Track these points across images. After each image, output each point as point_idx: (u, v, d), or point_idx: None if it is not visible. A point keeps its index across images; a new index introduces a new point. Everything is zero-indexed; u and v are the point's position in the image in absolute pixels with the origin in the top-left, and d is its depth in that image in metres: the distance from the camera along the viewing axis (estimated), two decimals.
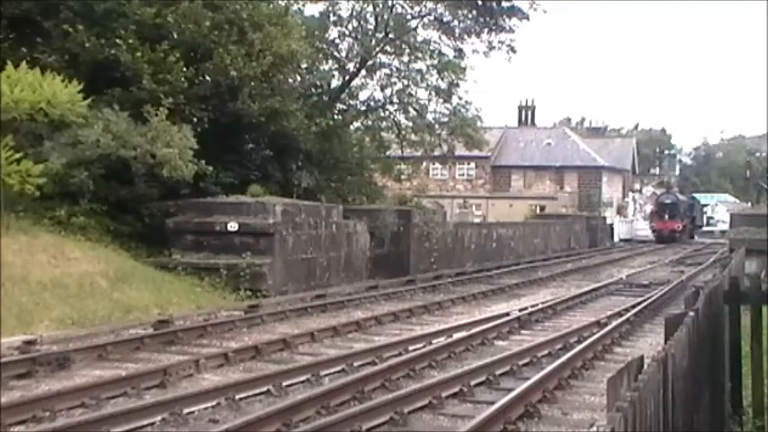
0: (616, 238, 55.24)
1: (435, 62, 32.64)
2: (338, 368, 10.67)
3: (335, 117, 29.90)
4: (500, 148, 62.83)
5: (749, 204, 61.34)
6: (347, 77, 31.94)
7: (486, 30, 32.55)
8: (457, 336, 13.23)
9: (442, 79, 32.90)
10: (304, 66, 27.43)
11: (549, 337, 13.12)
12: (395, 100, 33.48)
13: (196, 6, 21.30)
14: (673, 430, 4.59)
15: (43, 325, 13.09)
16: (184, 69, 20.81)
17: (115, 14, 20.68)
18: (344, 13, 32.48)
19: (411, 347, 12.25)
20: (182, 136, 19.02)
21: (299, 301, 17.75)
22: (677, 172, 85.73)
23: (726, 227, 36.78)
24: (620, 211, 64.23)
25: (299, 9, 29.42)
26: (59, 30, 19.85)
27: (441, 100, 33.33)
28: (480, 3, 31.79)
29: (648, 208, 61.52)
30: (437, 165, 53.34)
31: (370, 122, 34.06)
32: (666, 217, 54.79)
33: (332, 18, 32.20)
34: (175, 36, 21.42)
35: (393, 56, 32.85)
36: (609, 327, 13.86)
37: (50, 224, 17.70)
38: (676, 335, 4.99)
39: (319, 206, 22.05)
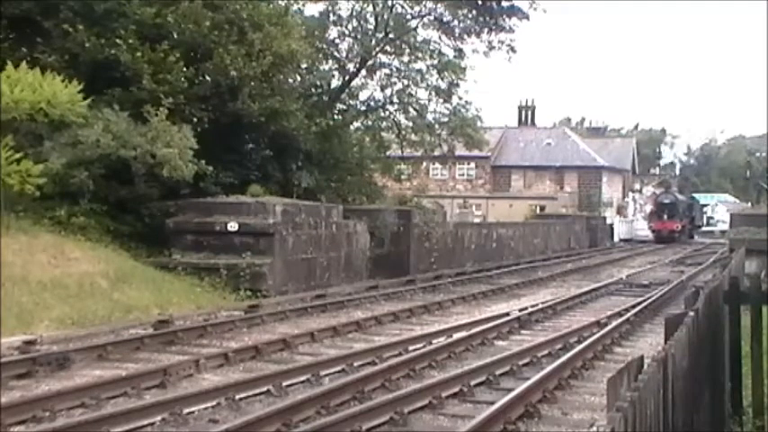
0: (616, 238, 55.21)
1: (435, 62, 32.64)
2: (338, 368, 10.67)
3: (335, 117, 29.91)
4: (500, 148, 62.84)
5: (749, 204, 61.31)
6: (347, 77, 31.94)
7: (486, 29, 32.56)
8: (457, 336, 13.23)
9: (442, 79, 32.91)
10: (304, 66, 27.44)
11: (549, 337, 13.12)
12: (395, 100, 33.49)
13: (196, 6, 21.31)
14: (673, 430, 4.59)
15: (43, 325, 13.09)
16: (184, 69, 20.81)
17: (115, 14, 20.69)
18: (344, 13, 32.54)
19: (411, 347, 12.25)
20: (182, 136, 19.02)
21: (299, 301, 17.75)
22: (677, 172, 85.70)
23: (726, 227, 36.78)
24: (620, 211, 64.22)
25: (299, 9, 29.44)
26: (59, 30, 19.86)
27: (441, 100, 33.35)
28: (480, 2, 31.80)
29: (648, 208, 61.45)
30: (437, 165, 53.34)
31: (370, 122, 34.06)
32: (665, 217, 54.51)
33: (332, 18, 32.21)
34: (175, 36, 21.42)
35: (393, 56, 32.86)
36: (609, 327, 13.86)
37: (50, 224, 17.70)
38: (676, 335, 4.99)
39: (319, 206, 22.05)
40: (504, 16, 32.16)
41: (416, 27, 32.97)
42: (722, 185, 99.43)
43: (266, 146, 23.50)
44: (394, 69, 33.00)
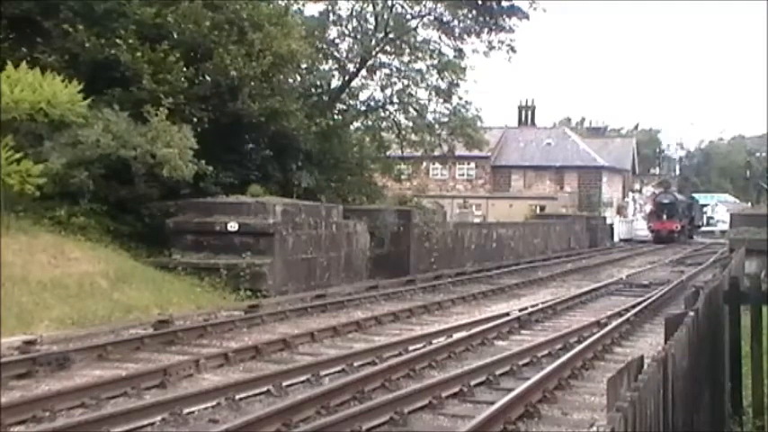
0: (616, 238, 55.17)
1: (435, 62, 32.64)
2: (338, 368, 10.67)
3: (335, 117, 29.91)
4: (500, 148, 62.83)
5: (749, 204, 61.26)
6: (347, 77, 31.94)
7: (486, 29, 32.54)
8: (457, 336, 13.23)
9: (442, 79, 32.91)
10: (304, 66, 27.43)
11: (549, 337, 13.12)
12: (395, 100, 33.49)
13: (196, 6, 21.30)
14: (673, 430, 4.59)
15: (43, 325, 13.09)
16: (184, 69, 20.81)
17: (115, 14, 20.68)
18: (344, 13, 32.53)
19: (411, 347, 12.25)
20: (182, 136, 19.02)
21: (299, 301, 17.74)
22: (677, 171, 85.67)
23: (726, 227, 36.77)
24: (620, 211, 64.21)
25: (299, 9, 29.43)
26: (59, 30, 19.85)
27: (441, 100, 33.34)
28: (480, 2, 31.79)
29: (648, 208, 61.38)
30: (437, 165, 53.32)
31: (370, 122, 34.06)
32: (664, 217, 54.19)
33: (332, 18, 32.20)
34: (175, 36, 21.42)
35: (393, 56, 32.85)
36: (609, 327, 13.86)
37: (50, 224, 17.70)
38: (676, 335, 4.99)
39: (319, 206, 22.05)
40: (504, 16, 32.15)
41: (416, 27, 33.00)
42: (722, 185, 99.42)
43: (266, 146, 23.50)
44: (394, 69, 33.01)
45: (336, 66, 32.24)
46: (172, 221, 19.43)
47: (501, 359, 11.07)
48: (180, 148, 18.78)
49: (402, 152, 35.52)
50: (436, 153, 36.19)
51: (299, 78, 28.02)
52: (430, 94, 33.23)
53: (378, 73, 32.92)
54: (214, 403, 8.80)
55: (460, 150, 36.79)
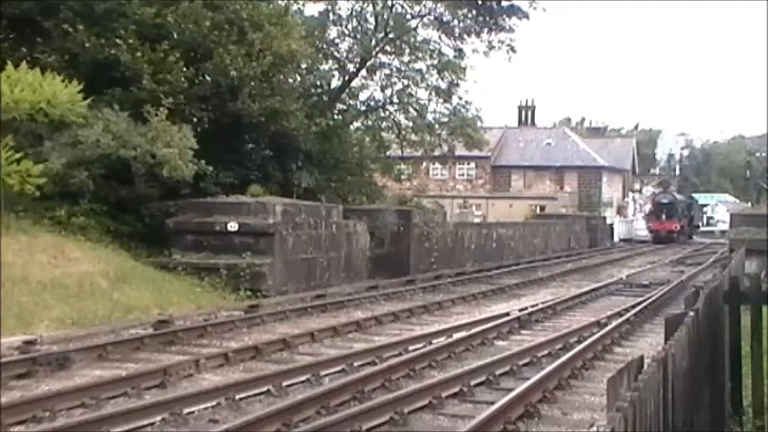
0: (616, 238, 55.14)
1: (435, 62, 32.64)
2: (338, 368, 10.67)
3: (335, 117, 29.91)
4: (500, 148, 62.83)
5: (749, 204, 61.21)
6: (347, 77, 31.94)
7: (485, 29, 32.53)
8: (457, 336, 13.23)
9: (442, 79, 32.91)
10: (304, 66, 27.43)
11: (549, 337, 13.12)
12: (395, 100, 33.49)
13: (196, 6, 21.30)
14: (673, 430, 4.59)
15: (43, 325, 13.09)
16: (184, 69, 20.81)
17: (115, 14, 20.69)
18: (344, 13, 32.53)
19: (411, 347, 12.25)
20: (182, 136, 19.02)
21: (299, 301, 17.74)
22: (677, 171, 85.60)
23: (726, 227, 36.76)
24: (620, 211, 64.20)
25: (299, 9, 29.44)
26: (59, 30, 19.86)
27: (441, 100, 33.34)
28: (480, 2, 31.78)
29: (648, 208, 61.34)
30: (437, 165, 53.32)
31: (370, 122, 34.07)
32: (663, 217, 53.93)
33: (331, 18, 32.19)
34: (175, 36, 21.42)
35: (393, 56, 32.85)
36: (609, 327, 13.86)
37: (50, 224, 17.70)
38: (676, 335, 4.99)
39: (319, 206, 22.05)
40: (504, 16, 32.14)
41: (416, 27, 32.99)
42: (722, 185, 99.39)
43: (266, 146, 23.49)
44: (394, 69, 33.01)
45: (336, 66, 32.25)
46: (172, 221, 19.43)
47: (501, 359, 11.07)
48: (180, 148, 18.78)
49: (402, 152, 35.52)
50: (436, 153, 36.19)
51: (299, 78, 28.02)
52: (430, 94, 33.26)
53: (378, 73, 32.94)
54: (214, 403, 8.80)
55: (460, 150, 36.79)
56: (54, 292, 14.35)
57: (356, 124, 33.68)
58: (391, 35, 31.79)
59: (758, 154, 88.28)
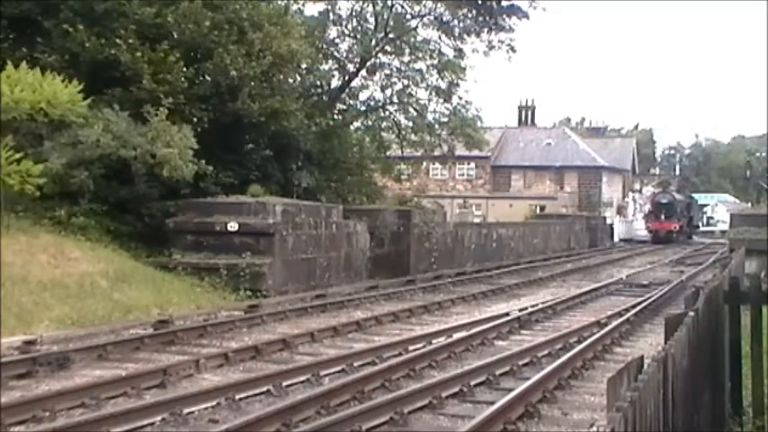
0: (616, 238, 55.12)
1: (435, 62, 32.66)
2: (338, 368, 10.67)
3: (335, 117, 29.92)
4: (500, 148, 62.84)
5: (749, 204, 61.20)
6: (347, 77, 31.95)
7: (485, 29, 32.55)
8: (457, 336, 13.22)
9: (442, 79, 32.94)
10: (304, 66, 27.43)
11: (549, 337, 13.12)
12: (395, 100, 33.52)
13: (196, 6, 21.30)
14: (673, 430, 4.59)
15: (43, 325, 13.09)
16: (184, 69, 20.81)
17: (115, 14, 20.69)
18: (344, 13, 32.57)
19: (411, 347, 12.25)
20: (182, 136, 19.02)
21: (299, 301, 17.74)
22: (677, 172, 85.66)
23: (726, 227, 36.75)
24: (620, 211, 64.20)
25: (299, 9, 29.47)
26: (59, 29, 19.86)
27: (441, 100, 33.38)
28: (480, 2, 31.78)
29: (647, 208, 61.32)
30: (437, 165, 53.36)
31: (370, 122, 34.10)
32: (662, 217, 53.76)
33: (331, 18, 32.21)
34: (175, 36, 21.42)
35: (393, 56, 32.88)
36: (609, 327, 13.86)
37: (50, 224, 17.70)
38: (676, 335, 4.99)
39: (319, 206, 22.05)
40: (504, 16, 32.16)
41: (416, 27, 33.02)
42: (722, 185, 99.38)
43: (266, 146, 23.49)
44: (394, 69, 33.05)
45: (336, 66, 32.27)
46: (172, 221, 19.43)
47: (501, 359, 11.06)
48: (180, 148, 18.78)
49: (402, 152, 35.54)
50: (436, 153, 36.21)
51: (299, 78, 28.03)
52: (430, 94, 33.30)
53: (378, 73, 32.96)
54: (214, 403, 8.80)
55: (460, 150, 36.80)
56: (54, 292, 14.35)
57: (356, 124, 33.71)
58: (391, 35, 31.80)
59: (758, 154, 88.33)
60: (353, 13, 32.57)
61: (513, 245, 35.17)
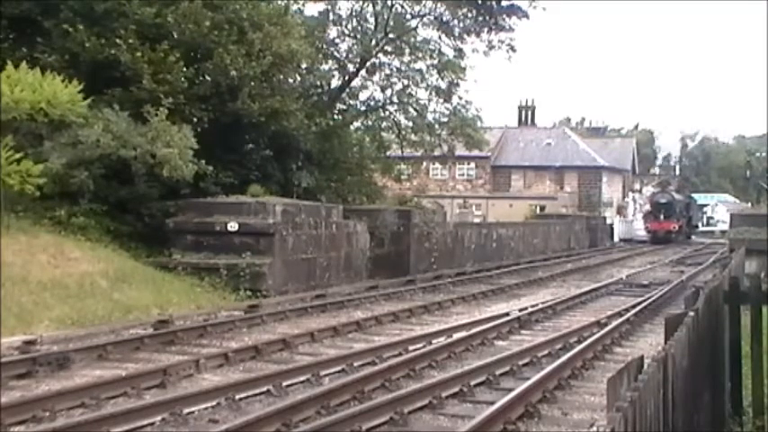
0: (616, 238, 55.09)
1: (435, 62, 32.67)
2: (338, 368, 10.67)
3: (335, 117, 29.93)
4: (500, 148, 62.85)
5: (749, 204, 61.18)
6: (347, 77, 31.95)
7: (485, 29, 32.55)
8: (457, 336, 13.23)
9: (442, 79, 32.94)
10: (304, 66, 27.44)
11: (549, 337, 13.12)
12: (395, 100, 33.52)
13: (196, 6, 21.31)
14: (673, 430, 4.59)
15: (43, 325, 13.09)
16: (184, 69, 20.81)
17: (115, 14, 20.69)
18: (344, 13, 32.57)
19: (411, 347, 12.25)
20: (182, 136, 19.02)
21: (299, 301, 17.74)
22: (677, 172, 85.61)
23: (726, 227, 36.74)
24: (620, 211, 64.20)
25: (299, 9, 29.47)
26: (59, 29, 19.87)
27: (441, 100, 33.38)
28: (480, 2, 31.78)
29: (646, 208, 61.29)
30: (437, 165, 53.37)
31: (370, 122, 34.10)
32: (661, 217, 53.48)
33: (331, 18, 32.22)
34: (175, 36, 21.42)
35: (393, 56, 32.88)
36: (609, 327, 13.85)
37: (50, 224, 17.70)
38: (676, 335, 4.99)
39: (319, 206, 22.05)
40: (504, 15, 32.16)
41: (416, 27, 33.02)
42: (722, 185, 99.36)
43: (266, 146, 23.50)
44: (394, 69, 33.05)
45: (336, 66, 32.27)
46: (172, 221, 19.43)
47: (501, 359, 11.06)
48: (180, 148, 18.78)
49: (402, 152, 35.54)
50: (436, 153, 36.22)
51: (299, 78, 28.03)
52: (430, 94, 33.30)
53: (378, 73, 32.97)
54: (214, 403, 8.80)
55: (460, 150, 36.80)
56: (54, 292, 14.35)
57: (356, 124, 33.72)
58: (391, 35, 31.80)
59: (758, 154, 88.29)
60: (353, 13, 32.59)
61: (513, 245, 35.18)
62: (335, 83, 31.92)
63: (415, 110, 33.51)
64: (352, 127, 32.64)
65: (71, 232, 17.72)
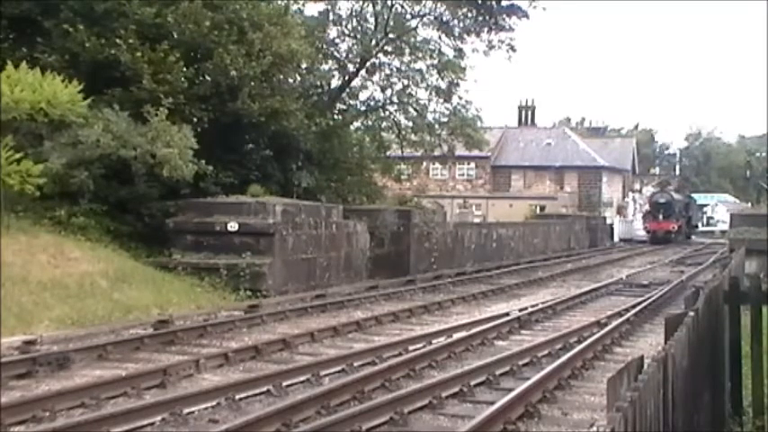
0: (616, 238, 55.07)
1: (435, 62, 32.67)
2: (338, 368, 10.67)
3: (335, 117, 29.93)
4: (500, 148, 62.86)
5: (749, 204, 61.17)
6: (347, 77, 31.96)
7: (485, 29, 32.56)
8: (457, 336, 13.23)
9: (442, 79, 32.95)
10: (304, 66, 27.44)
11: (549, 337, 13.12)
12: (395, 100, 33.53)
13: (196, 6, 21.31)
14: (673, 430, 4.59)
15: (43, 325, 13.09)
16: (184, 69, 20.81)
17: (115, 14, 20.70)
18: (344, 13, 32.58)
19: (411, 347, 12.25)
20: (182, 136, 19.02)
21: (299, 301, 17.75)
22: (677, 172, 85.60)
23: (726, 227, 36.74)
24: (620, 211, 64.20)
25: (299, 9, 29.47)
26: (59, 29, 19.87)
27: (441, 100, 33.39)
28: (480, 2, 31.79)
29: (646, 208, 61.26)
30: (437, 165, 53.38)
31: (370, 122, 34.11)
32: (661, 217, 53.29)
33: (331, 18, 32.23)
34: (175, 36, 21.43)
35: (393, 56, 32.89)
36: (609, 327, 13.86)
37: (50, 224, 17.70)
38: (676, 335, 5.00)
39: (319, 206, 22.05)
40: (504, 15, 32.17)
41: (416, 27, 33.02)
42: (722, 185, 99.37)
43: (266, 146, 23.50)
44: (394, 69, 33.06)
45: (336, 66, 32.27)
46: (172, 221, 19.43)
47: (501, 359, 11.07)
48: (180, 147, 18.78)
49: (402, 152, 35.55)
50: (436, 153, 36.22)
51: (299, 78, 28.03)
52: (430, 94, 33.31)
53: (378, 73, 32.98)
54: (214, 403, 8.80)
55: (460, 150, 36.81)
56: (54, 292, 14.35)
57: (356, 124, 33.72)
58: (391, 35, 31.81)
59: (758, 154, 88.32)
60: (353, 13, 32.60)
61: (513, 245, 35.18)
62: (335, 83, 31.95)
63: (415, 110, 33.52)
64: (352, 127, 32.64)
65: (71, 232, 17.73)
